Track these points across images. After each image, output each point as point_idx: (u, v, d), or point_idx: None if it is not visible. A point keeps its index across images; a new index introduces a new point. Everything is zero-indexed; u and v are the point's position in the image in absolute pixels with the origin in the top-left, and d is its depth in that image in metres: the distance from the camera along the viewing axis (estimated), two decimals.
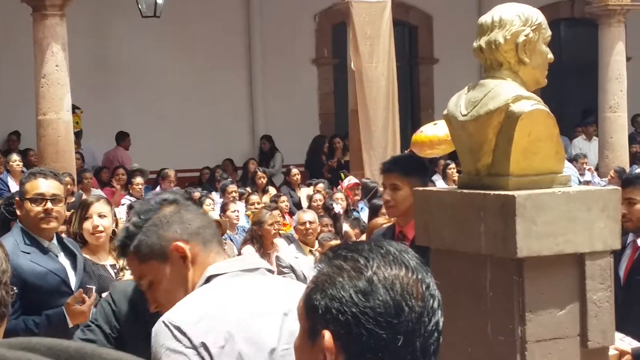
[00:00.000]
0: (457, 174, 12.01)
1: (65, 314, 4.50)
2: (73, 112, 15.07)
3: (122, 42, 16.22)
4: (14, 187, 12.86)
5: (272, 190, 13.80)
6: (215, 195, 12.68)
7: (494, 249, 4.03)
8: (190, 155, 16.22)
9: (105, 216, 5.26)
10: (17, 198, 4.68)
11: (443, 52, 18.84)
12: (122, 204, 12.08)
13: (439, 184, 14.36)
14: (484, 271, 4.11)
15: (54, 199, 4.70)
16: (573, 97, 19.35)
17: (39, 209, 4.63)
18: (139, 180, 13.42)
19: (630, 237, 5.54)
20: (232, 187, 12.19)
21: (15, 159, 13.33)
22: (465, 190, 4.29)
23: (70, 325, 4.47)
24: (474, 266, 4.18)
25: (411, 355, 1.65)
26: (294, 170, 14.34)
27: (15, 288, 2.08)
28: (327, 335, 1.64)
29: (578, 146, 17.02)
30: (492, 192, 4.08)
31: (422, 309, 1.68)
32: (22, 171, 13.43)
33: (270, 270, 2.66)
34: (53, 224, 4.74)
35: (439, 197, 4.48)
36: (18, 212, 4.66)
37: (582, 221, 4.04)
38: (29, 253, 4.52)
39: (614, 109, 14.83)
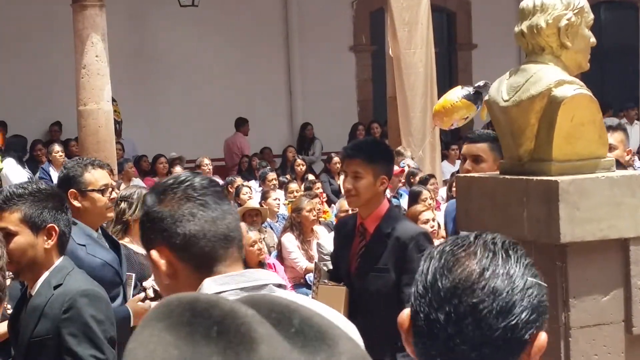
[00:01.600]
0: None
1: (130, 311, 4.48)
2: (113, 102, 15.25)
3: (160, 32, 16.29)
4: (56, 177, 12.99)
5: (311, 178, 13.81)
6: (254, 183, 12.71)
7: (537, 235, 4.01)
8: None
9: None
10: (72, 190, 4.66)
11: (481, 37, 18.73)
12: None
13: (443, 164, 14.32)
14: None
15: (113, 189, 4.84)
16: (614, 81, 19.17)
17: (105, 199, 4.68)
18: (178, 169, 13.49)
19: None
20: (272, 175, 12.23)
21: (58, 150, 13.44)
22: (507, 176, 4.27)
23: (132, 324, 4.45)
24: None
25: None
26: (335, 158, 14.34)
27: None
28: None
29: None
30: (534, 178, 4.06)
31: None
32: (64, 162, 13.60)
33: (281, 285, 2.23)
34: (112, 214, 4.87)
35: (480, 183, 4.46)
36: (76, 204, 4.61)
37: (626, 206, 4.01)
38: (84, 245, 4.49)
39: None
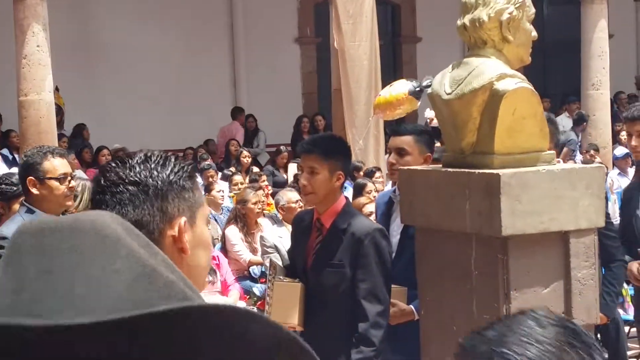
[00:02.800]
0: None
1: None
2: (56, 91, 15.06)
3: (103, 21, 16.11)
4: None
5: (256, 170, 13.78)
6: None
7: (479, 228, 4.04)
8: (172, 135, 16.16)
9: None
10: (30, 177, 4.66)
11: (426, 30, 18.82)
12: None
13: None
14: (469, 249, 4.12)
15: (73, 178, 4.88)
16: (556, 75, 19.38)
17: (64, 187, 4.72)
18: None
19: None
20: (211, 172, 12.16)
21: None
22: (450, 169, 4.28)
23: None
24: (459, 245, 4.18)
25: None
26: (285, 153, 14.35)
27: None
28: None
29: (561, 124, 17.01)
30: (476, 171, 4.08)
31: None
32: (1, 153, 13.42)
33: None
34: (71, 202, 4.92)
35: (423, 176, 4.48)
36: (35, 192, 4.65)
37: (566, 199, 4.05)
38: None
39: (596, 87, 14.85)
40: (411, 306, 4.80)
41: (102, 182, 2.10)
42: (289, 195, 8.91)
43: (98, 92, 16.04)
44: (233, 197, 10.66)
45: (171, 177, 2.10)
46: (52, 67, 11.21)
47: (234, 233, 8.86)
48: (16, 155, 13.29)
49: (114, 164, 2.11)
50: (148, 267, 0.96)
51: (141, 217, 2.05)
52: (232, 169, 13.33)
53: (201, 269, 2.17)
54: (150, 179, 2.08)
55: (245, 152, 14.28)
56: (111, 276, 0.92)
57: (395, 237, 5.00)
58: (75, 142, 15.53)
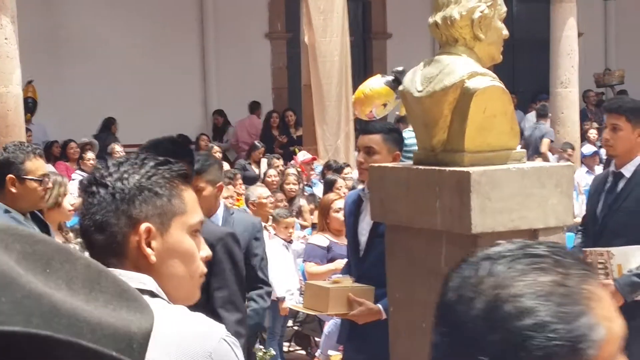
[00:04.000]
0: None
1: None
2: (28, 84, 14.97)
3: (72, 14, 16.00)
4: None
5: (226, 166, 13.74)
6: None
7: (450, 225, 4.05)
8: (141, 129, 16.08)
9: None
10: (11, 175, 4.61)
11: (396, 27, 18.85)
12: (73, 179, 11.97)
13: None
14: (439, 247, 4.13)
15: (49, 179, 4.87)
16: (525, 73, 19.49)
17: (41, 188, 4.70)
18: (90, 154, 13.30)
19: (612, 167, 5.60)
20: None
21: None
22: (420, 167, 4.29)
23: None
24: (429, 242, 4.19)
25: None
26: (258, 145, 14.35)
27: None
28: None
29: (531, 120, 17.14)
30: (447, 169, 4.09)
31: None
32: None
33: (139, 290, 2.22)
34: (44, 203, 4.99)
35: (394, 173, 4.48)
36: (13, 190, 4.60)
37: (535, 197, 4.06)
38: None
39: (565, 85, 14.95)
40: (379, 305, 4.77)
41: (85, 181, 2.20)
42: (260, 191, 8.90)
43: (66, 84, 15.92)
44: None
45: (142, 182, 2.09)
46: (21, 60, 11.11)
47: None
48: None
49: (104, 164, 2.23)
50: (4, 275, 0.98)
51: (106, 219, 2.07)
52: None
53: (178, 278, 2.13)
54: (119, 182, 2.08)
55: (216, 147, 14.25)
56: None
57: (364, 235, 4.97)
58: (102, 135, 15.56)
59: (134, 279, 2.03)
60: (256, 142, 14.73)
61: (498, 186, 3.99)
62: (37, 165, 4.69)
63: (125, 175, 2.09)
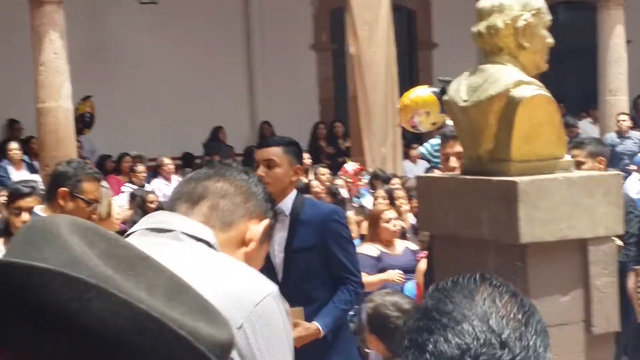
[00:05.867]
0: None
1: None
2: (86, 99, 15.19)
3: (119, 29, 16.14)
4: (14, 174, 12.87)
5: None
6: None
7: (497, 235, 4.02)
8: (190, 142, 16.21)
9: None
10: (65, 189, 4.64)
11: (442, 36, 18.79)
12: (123, 192, 12.08)
13: (406, 164, 14.34)
14: (487, 257, 4.11)
15: (97, 206, 4.88)
16: (572, 81, 19.31)
17: (88, 209, 4.69)
18: (141, 168, 13.41)
19: None
20: None
21: (13, 148, 13.32)
22: (467, 177, 4.27)
23: None
24: (477, 252, 4.17)
25: None
26: (305, 155, 14.39)
27: None
28: None
29: (584, 129, 16.96)
30: (494, 178, 4.07)
31: None
32: (22, 159, 13.48)
33: (196, 237, 2.06)
34: None
35: (441, 183, 4.47)
36: (61, 203, 4.60)
37: (584, 206, 4.03)
38: None
39: (614, 92, 14.80)
40: (315, 323, 4.46)
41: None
42: None
43: (113, 99, 16.07)
44: None
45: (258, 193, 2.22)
46: (72, 76, 11.25)
47: None
48: (35, 163, 13.35)
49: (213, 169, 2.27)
50: (76, 258, 1.02)
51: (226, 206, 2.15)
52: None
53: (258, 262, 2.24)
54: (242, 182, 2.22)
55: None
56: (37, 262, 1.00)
57: (278, 257, 4.64)
58: (212, 144, 15.82)
59: (195, 227, 2.07)
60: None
61: (546, 195, 3.96)
62: (92, 188, 4.70)
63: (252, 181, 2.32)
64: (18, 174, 12.80)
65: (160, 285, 1.06)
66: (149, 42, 16.10)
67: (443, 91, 9.95)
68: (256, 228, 2.17)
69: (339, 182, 11.13)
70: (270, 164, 4.62)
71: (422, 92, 10.50)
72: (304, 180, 13.26)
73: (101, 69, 15.81)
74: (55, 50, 11.10)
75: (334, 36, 17.79)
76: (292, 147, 4.74)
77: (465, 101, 4.18)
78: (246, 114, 17.68)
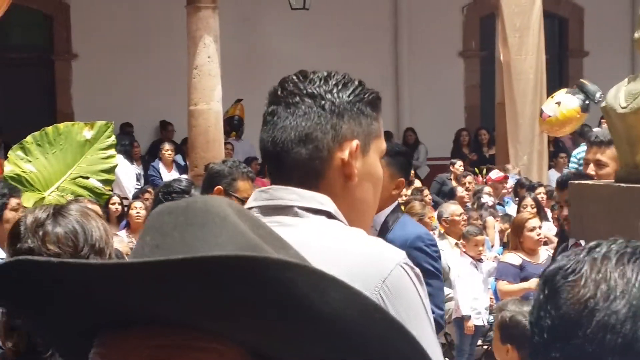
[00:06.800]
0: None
1: None
2: (237, 102, 15.57)
3: (270, 34, 16.46)
4: (165, 174, 13.27)
5: (417, 183, 13.78)
6: None
7: None
8: None
9: None
10: (220, 187, 4.79)
11: (594, 45, 18.41)
12: None
13: (551, 173, 14.04)
14: None
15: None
16: None
17: None
18: None
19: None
20: None
21: (168, 148, 13.72)
22: (622, 184, 4.20)
23: None
24: None
25: None
26: (459, 163, 14.34)
27: None
28: None
29: None
30: None
31: None
32: (174, 160, 13.89)
33: (313, 209, 1.95)
34: None
35: (594, 191, 4.40)
36: None
37: None
38: None
39: None
40: None
41: (279, 92, 2.03)
42: (452, 209, 8.88)
43: (263, 103, 16.34)
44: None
45: (350, 98, 1.98)
46: (223, 79, 11.53)
47: None
48: (184, 164, 13.76)
49: (294, 77, 2.02)
50: (252, 242, 1.01)
51: (312, 131, 1.93)
52: None
53: (367, 204, 2.03)
54: (329, 95, 1.97)
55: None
56: (214, 248, 0.98)
57: None
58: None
59: (312, 199, 1.94)
60: (452, 160, 14.70)
61: None
62: (246, 187, 4.81)
63: (335, 90, 1.98)
64: (169, 175, 13.20)
65: None
66: (298, 47, 16.34)
67: (585, 95, 9.76)
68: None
69: (486, 189, 11.07)
70: None
71: (569, 103, 10.29)
72: (454, 184, 13.24)
73: (252, 73, 16.14)
74: (208, 54, 11.40)
75: (482, 43, 17.69)
76: (398, 158, 4.35)
77: (623, 108, 4.11)
78: (391, 120, 17.73)
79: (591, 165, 4.90)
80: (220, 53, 11.52)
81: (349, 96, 1.98)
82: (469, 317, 7.81)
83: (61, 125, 6.96)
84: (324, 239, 1.87)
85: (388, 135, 17.25)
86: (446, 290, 7.96)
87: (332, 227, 1.92)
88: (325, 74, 2.02)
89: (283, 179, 1.97)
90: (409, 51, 17.52)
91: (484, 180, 12.54)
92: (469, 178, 12.13)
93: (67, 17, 15.90)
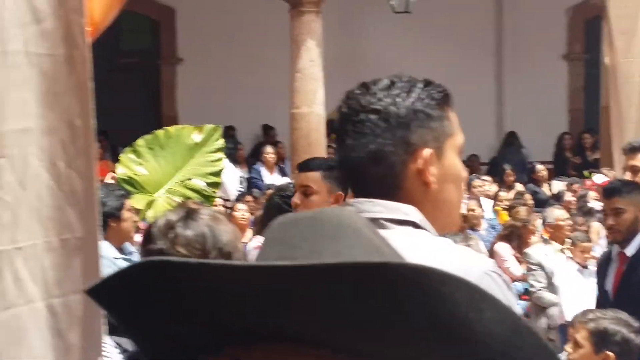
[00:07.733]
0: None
1: None
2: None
3: (373, 38, 16.48)
4: (267, 177, 13.43)
5: (518, 186, 13.66)
6: None
7: None
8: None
9: None
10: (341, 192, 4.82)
11: None
12: None
13: None
14: None
15: None
16: None
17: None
18: None
19: (616, 249, 5.16)
20: (478, 182, 12.18)
21: (269, 151, 13.88)
22: None
23: None
24: None
25: None
26: (539, 167, 14.17)
27: None
28: None
29: None
30: None
31: None
32: (275, 163, 14.05)
33: (400, 221, 1.92)
34: None
35: None
36: None
37: None
38: None
39: None
40: None
41: (344, 109, 1.99)
42: (557, 213, 8.78)
43: None
44: (499, 211, 10.64)
45: (416, 105, 1.93)
46: (325, 82, 11.61)
47: (504, 249, 8.84)
48: (284, 166, 13.90)
49: (357, 91, 1.97)
50: (385, 255, 0.98)
51: (382, 147, 1.90)
52: (495, 185, 13.27)
53: (452, 203, 2.00)
54: (392, 107, 1.91)
55: (509, 171, 14.20)
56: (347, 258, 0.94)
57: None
58: (510, 149, 16.52)
59: (398, 210, 1.92)
60: (534, 163, 14.57)
61: None
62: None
63: (399, 99, 1.93)
64: (270, 177, 13.35)
65: None
66: (401, 51, 16.33)
67: None
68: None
69: (592, 194, 10.91)
70: (306, 191, 4.00)
71: None
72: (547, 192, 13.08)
73: (354, 76, 16.10)
74: (311, 58, 11.50)
75: (587, 46, 17.42)
76: (334, 172, 4.00)
77: None
78: (492, 122, 17.60)
79: (627, 173, 4.91)
80: (322, 57, 11.61)
81: (413, 104, 1.93)
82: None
83: (171, 129, 7.08)
84: (413, 251, 1.77)
85: (514, 137, 17.13)
86: (549, 296, 7.92)
87: (419, 237, 1.91)
88: (388, 82, 1.97)
89: (364, 193, 1.95)
90: (513, 54, 17.36)
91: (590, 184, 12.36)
92: (577, 185, 12.02)
93: (172, 22, 16.22)
